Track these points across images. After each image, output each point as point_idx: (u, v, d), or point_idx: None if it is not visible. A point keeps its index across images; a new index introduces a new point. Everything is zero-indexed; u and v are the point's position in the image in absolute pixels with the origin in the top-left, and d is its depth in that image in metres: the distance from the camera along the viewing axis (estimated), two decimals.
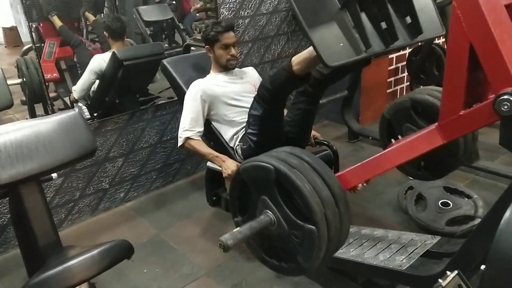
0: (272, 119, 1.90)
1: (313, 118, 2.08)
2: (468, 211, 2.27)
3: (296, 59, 1.61)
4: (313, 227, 1.20)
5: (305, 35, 1.29)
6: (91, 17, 3.21)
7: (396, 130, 1.93)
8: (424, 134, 1.41)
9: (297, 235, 1.27)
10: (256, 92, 2.14)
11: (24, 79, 2.73)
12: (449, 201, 2.35)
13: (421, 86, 3.99)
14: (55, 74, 3.03)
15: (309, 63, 1.57)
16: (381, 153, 1.52)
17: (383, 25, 1.38)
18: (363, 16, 1.34)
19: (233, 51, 2.14)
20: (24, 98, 2.88)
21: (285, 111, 2.01)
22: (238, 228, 1.30)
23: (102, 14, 3.55)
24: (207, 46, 2.17)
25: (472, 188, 2.50)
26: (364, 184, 1.56)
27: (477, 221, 2.18)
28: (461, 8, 1.16)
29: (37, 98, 2.78)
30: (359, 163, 1.53)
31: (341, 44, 1.30)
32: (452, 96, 1.29)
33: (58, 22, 2.99)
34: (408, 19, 1.44)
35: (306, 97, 1.90)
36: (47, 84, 2.61)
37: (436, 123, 1.38)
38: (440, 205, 2.34)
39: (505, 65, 1.10)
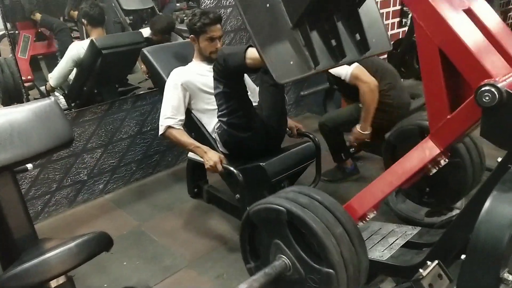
0: (235, 91, 1.93)
1: (283, 96, 2.11)
2: None
3: (251, 54, 1.66)
4: (331, 270, 1.16)
5: (258, 53, 1.34)
6: (75, 15, 3.10)
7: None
8: (419, 145, 1.40)
9: (314, 280, 1.23)
10: None
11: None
12: None
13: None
14: (29, 76, 2.88)
15: (260, 64, 1.60)
16: (382, 174, 1.50)
17: (333, 42, 1.45)
18: (314, 35, 1.41)
19: (218, 44, 2.10)
20: None
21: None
22: (253, 277, 1.25)
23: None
24: (191, 36, 2.13)
25: None
26: (375, 212, 1.49)
27: (456, 212, 2.21)
28: (422, 19, 1.22)
29: (12, 99, 2.67)
30: (363, 190, 1.48)
31: (291, 62, 1.36)
32: (435, 102, 1.31)
33: (38, 16, 2.87)
34: (358, 36, 1.51)
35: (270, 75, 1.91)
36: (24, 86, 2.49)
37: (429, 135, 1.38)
38: None
39: (476, 60, 1.13)
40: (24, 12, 2.79)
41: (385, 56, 3.94)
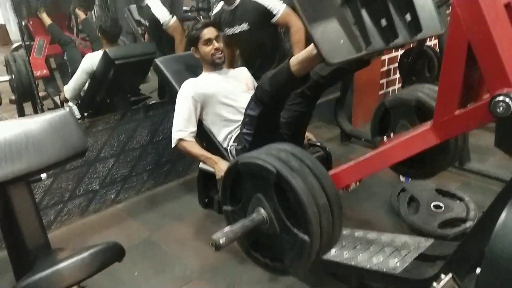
0: (269, 121, 1.88)
1: (308, 121, 2.08)
2: (460, 214, 2.27)
3: (295, 60, 1.58)
4: (306, 237, 1.19)
5: (306, 30, 1.26)
6: (82, 15, 3.17)
7: (391, 122, 1.94)
8: (419, 133, 1.40)
9: (288, 240, 1.26)
10: (248, 91, 2.13)
11: (13, 76, 2.68)
12: (441, 204, 2.35)
13: (409, 86, 4.05)
14: (45, 71, 2.98)
15: (308, 63, 1.55)
16: (374, 151, 1.51)
17: (384, 22, 1.36)
18: (364, 13, 1.32)
19: (216, 44, 2.13)
20: (13, 97, 2.84)
21: None
22: (229, 227, 1.29)
23: (93, 11, 3.52)
24: (192, 48, 2.17)
25: (463, 191, 2.51)
26: (357, 183, 1.56)
27: (469, 223, 2.18)
28: (460, 6, 1.15)
29: (26, 96, 2.74)
30: (353, 162, 1.51)
31: (342, 41, 1.28)
32: (448, 95, 1.28)
33: (47, 20, 2.95)
34: (408, 17, 1.43)
35: (303, 99, 1.89)
36: (36, 82, 2.56)
37: (430, 122, 1.37)
38: (432, 207, 2.35)
39: (502, 66, 1.09)
40: (31, 9, 2.87)
41: (396, 65, 3.94)
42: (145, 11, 2.74)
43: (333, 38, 1.27)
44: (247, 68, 2.50)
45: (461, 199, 2.41)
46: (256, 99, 1.81)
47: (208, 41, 2.13)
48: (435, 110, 1.33)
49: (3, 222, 1.54)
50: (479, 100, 1.23)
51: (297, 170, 1.24)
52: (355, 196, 2.64)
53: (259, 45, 2.68)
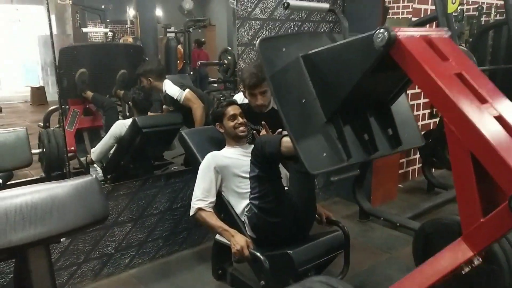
0: (270, 176, 1.98)
1: (313, 185, 2.14)
2: None
3: (286, 143, 1.74)
4: None
5: (292, 144, 1.44)
6: (120, 94, 3.37)
7: (433, 249, 1.81)
8: (451, 246, 1.37)
9: None
10: None
11: (44, 150, 2.77)
12: None
13: (433, 169, 4.04)
14: (72, 147, 3.06)
15: (295, 152, 1.65)
16: (411, 272, 1.46)
17: (366, 136, 1.51)
18: (347, 129, 1.48)
19: (240, 120, 2.26)
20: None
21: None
22: None
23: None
24: (217, 124, 2.29)
25: None
26: None
27: None
28: (453, 123, 1.25)
29: (55, 169, 2.82)
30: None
31: (325, 154, 1.43)
32: (468, 205, 1.30)
33: (90, 94, 3.15)
34: (390, 131, 1.58)
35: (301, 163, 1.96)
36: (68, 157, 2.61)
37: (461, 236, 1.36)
38: None
39: (509, 168, 1.13)
40: (76, 91, 3.06)
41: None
42: (167, 98, 2.99)
43: (317, 151, 1.42)
44: None
45: None
46: (253, 160, 1.98)
47: (233, 117, 2.24)
48: (461, 222, 1.33)
49: (18, 283, 1.55)
50: (502, 202, 1.23)
51: None
52: (371, 279, 2.55)
53: None
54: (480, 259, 1.35)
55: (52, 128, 2.94)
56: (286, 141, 1.74)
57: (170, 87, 2.96)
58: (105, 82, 3.38)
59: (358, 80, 1.37)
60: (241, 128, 2.26)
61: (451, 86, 1.26)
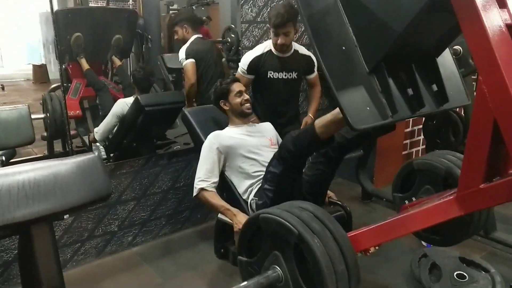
0: (290, 179, 1.90)
1: (330, 181, 2.09)
2: (485, 286, 2.17)
3: (320, 122, 1.62)
4: None
5: (333, 96, 1.30)
6: (117, 62, 3.36)
7: (415, 184, 1.94)
8: (442, 203, 1.39)
9: None
10: (271, 147, 2.16)
11: (48, 114, 2.80)
12: (465, 274, 2.25)
13: (437, 151, 4.01)
14: (78, 111, 3.14)
15: (333, 126, 1.58)
16: (396, 217, 1.50)
17: (410, 91, 1.39)
18: (391, 82, 1.35)
19: (245, 96, 2.24)
20: (44, 134, 2.96)
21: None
22: (245, 283, 1.31)
23: (129, 59, 3.71)
24: (222, 101, 2.25)
25: (489, 261, 2.40)
26: (376, 248, 1.53)
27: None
28: (487, 84, 1.16)
29: (58, 134, 2.86)
30: (373, 225, 1.50)
31: (368, 108, 1.31)
32: (473, 168, 1.28)
33: (85, 65, 3.14)
34: (435, 87, 1.45)
35: (326, 159, 1.91)
36: (69, 122, 2.66)
37: (454, 192, 1.36)
38: (455, 277, 2.25)
39: None
40: (72, 55, 3.05)
41: (420, 126, 3.93)
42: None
43: (360, 105, 1.30)
44: (277, 115, 2.60)
45: (486, 270, 2.30)
46: (279, 157, 1.84)
47: (239, 93, 2.22)
48: (459, 181, 1.33)
49: (22, 260, 1.56)
50: (506, 175, 1.22)
51: (319, 233, 1.23)
52: (374, 260, 2.56)
53: (293, 95, 2.81)
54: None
55: (54, 93, 2.96)
56: (320, 120, 1.63)
57: (183, 49, 2.95)
58: (100, 47, 3.36)
59: (409, 24, 1.21)
60: (247, 105, 2.24)
61: (500, 43, 1.14)
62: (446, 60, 1.52)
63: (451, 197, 1.35)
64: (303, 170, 2.01)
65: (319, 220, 1.30)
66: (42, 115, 2.90)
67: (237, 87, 2.24)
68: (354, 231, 1.51)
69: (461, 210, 1.33)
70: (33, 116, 2.58)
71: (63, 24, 3.03)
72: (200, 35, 3.08)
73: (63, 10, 3.25)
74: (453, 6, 1.18)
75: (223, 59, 3.20)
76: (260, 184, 2.03)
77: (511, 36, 1.18)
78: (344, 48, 1.35)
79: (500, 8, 1.18)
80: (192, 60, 2.90)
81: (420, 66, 1.43)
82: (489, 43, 1.12)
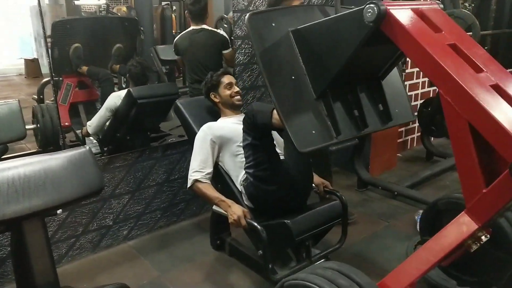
0: (263, 144, 1.96)
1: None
2: None
3: (276, 115, 1.70)
4: None
5: (281, 123, 1.42)
6: (116, 69, 3.30)
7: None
8: (455, 221, 1.34)
9: None
10: None
11: (38, 125, 2.75)
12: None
13: (432, 138, 4.02)
14: (66, 123, 3.03)
15: (284, 129, 1.64)
16: (417, 250, 1.45)
17: (356, 112, 1.50)
18: (338, 105, 1.46)
19: (236, 88, 2.27)
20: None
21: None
22: None
23: None
24: (212, 93, 2.27)
25: None
26: None
27: None
28: (449, 94, 1.22)
29: (49, 144, 2.80)
30: (398, 267, 1.43)
31: (313, 132, 1.41)
32: (469, 176, 1.27)
33: (85, 68, 3.08)
34: (380, 107, 1.56)
35: None
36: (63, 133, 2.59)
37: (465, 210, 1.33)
38: None
39: (509, 136, 1.11)
40: (71, 66, 3.00)
41: (415, 114, 3.93)
42: None
43: (306, 129, 1.40)
44: None
45: None
46: (245, 129, 1.96)
47: (229, 85, 2.25)
48: (463, 195, 1.31)
49: (15, 256, 1.55)
50: (503, 171, 1.20)
51: (346, 287, 1.23)
52: (370, 248, 2.57)
53: None
54: (488, 236, 1.32)
55: (46, 103, 2.91)
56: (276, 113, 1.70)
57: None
58: (100, 57, 3.32)
59: (349, 56, 1.35)
60: (238, 97, 2.27)
61: (445, 57, 1.24)
62: (393, 79, 1.63)
63: (462, 213, 1.32)
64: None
65: (344, 275, 1.29)
66: (32, 126, 2.84)
67: (227, 79, 2.26)
68: (382, 280, 1.45)
69: (477, 221, 1.29)
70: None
71: (61, 35, 2.97)
72: (197, 27, 3.02)
73: (61, 21, 3.17)
74: (390, 38, 1.28)
75: (226, 51, 3.09)
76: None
77: (453, 50, 1.30)
78: (293, 77, 1.45)
79: (435, 32, 1.31)
80: (178, 56, 3.04)
81: (367, 88, 1.54)
82: (433, 59, 1.22)
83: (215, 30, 3.10)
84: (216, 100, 2.26)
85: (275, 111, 1.72)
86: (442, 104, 1.26)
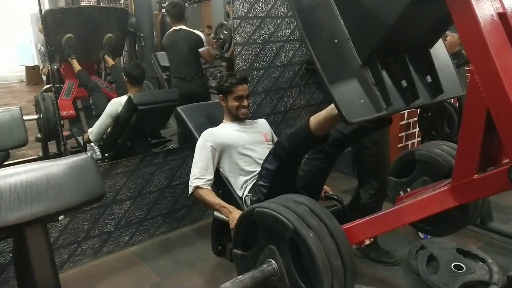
0: (285, 176, 1.89)
1: (326, 177, 2.08)
2: (482, 277, 2.17)
3: (315, 119, 1.60)
4: None
5: (326, 90, 1.30)
6: (110, 61, 3.33)
7: (414, 173, 1.92)
8: (436, 194, 1.38)
9: None
10: (266, 143, 2.15)
11: (41, 115, 2.78)
12: (462, 264, 2.26)
13: (439, 141, 4.00)
14: (71, 112, 3.09)
15: (328, 122, 1.57)
16: (391, 208, 1.50)
17: (404, 83, 1.37)
18: (384, 74, 1.33)
19: (245, 102, 2.20)
20: (39, 135, 2.93)
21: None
22: (240, 277, 1.30)
23: (122, 57, 3.69)
24: (220, 95, 2.22)
25: (485, 251, 2.41)
26: (371, 240, 1.53)
27: (493, 287, 2.09)
28: (480, 74, 1.14)
29: (52, 135, 2.83)
30: (368, 217, 1.49)
31: (362, 101, 1.29)
32: (467, 158, 1.27)
33: (76, 66, 3.10)
34: (429, 78, 1.44)
35: (323, 155, 1.90)
36: (62, 122, 2.64)
37: (448, 183, 1.35)
38: (453, 267, 2.25)
39: None
40: (63, 56, 3.01)
41: (415, 119, 3.93)
42: None
43: (353, 98, 1.28)
44: None
45: (483, 261, 2.31)
46: (274, 154, 1.84)
47: (239, 98, 2.18)
48: (453, 172, 1.32)
49: (18, 262, 1.56)
50: (499, 164, 1.21)
51: (314, 227, 1.23)
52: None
53: None
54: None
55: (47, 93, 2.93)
56: (314, 116, 1.62)
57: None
58: (92, 47, 3.33)
59: (400, 14, 1.20)
60: (243, 111, 2.21)
61: (492, 32, 1.12)
62: (439, 51, 1.50)
63: (446, 188, 1.35)
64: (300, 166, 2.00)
65: (315, 214, 1.30)
66: (36, 116, 2.88)
67: (239, 90, 2.17)
68: (349, 224, 1.50)
69: (456, 200, 1.32)
70: (26, 118, 2.57)
71: (53, 24, 3.00)
72: (177, 27, 3.20)
73: (52, 10, 3.21)
74: None
75: (201, 49, 3.26)
76: (255, 180, 2.02)
77: (503, 25, 1.17)
78: (336, 41, 1.33)
79: None
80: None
81: (413, 57, 1.41)
82: (481, 32, 1.11)
83: (192, 30, 3.24)
84: (223, 103, 2.23)
85: (311, 118, 1.62)
86: (469, 81, 1.18)
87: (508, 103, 1.09)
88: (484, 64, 1.12)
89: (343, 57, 1.33)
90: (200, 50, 3.16)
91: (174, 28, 3.20)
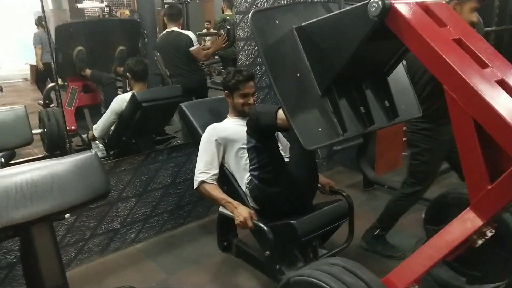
0: (267, 146, 1.96)
1: (314, 154, 2.11)
2: None
3: (281, 116, 1.70)
4: None
5: (287, 120, 1.41)
6: (120, 71, 3.31)
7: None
8: (460, 217, 1.33)
9: None
10: None
11: (45, 129, 2.76)
12: None
13: None
14: (73, 127, 3.04)
15: (290, 127, 1.62)
16: (421, 247, 1.43)
17: (362, 109, 1.49)
18: (344, 102, 1.45)
19: (251, 100, 2.19)
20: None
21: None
22: None
23: None
24: (226, 91, 2.22)
25: None
26: (416, 287, 1.40)
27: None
28: (454, 90, 1.20)
29: (56, 149, 2.81)
30: (402, 263, 1.43)
31: (320, 129, 1.41)
32: (474, 173, 1.25)
33: (89, 71, 3.09)
34: (386, 103, 1.54)
35: None
36: (69, 137, 2.62)
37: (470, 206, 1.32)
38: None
39: None
40: (75, 69, 3.01)
41: None
42: None
43: (312, 126, 1.40)
44: None
45: None
46: (249, 131, 1.95)
47: (245, 95, 2.18)
48: (468, 192, 1.30)
49: (25, 261, 1.57)
50: (508, 167, 1.20)
51: (352, 285, 1.23)
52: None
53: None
54: (493, 231, 1.32)
55: (51, 106, 2.91)
56: (282, 113, 1.66)
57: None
58: (104, 60, 3.32)
59: (354, 52, 1.33)
60: (248, 107, 2.20)
61: (450, 52, 1.21)
62: (399, 74, 1.62)
63: (467, 209, 1.31)
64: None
65: (350, 272, 1.29)
66: (39, 131, 2.85)
67: (246, 89, 2.16)
68: (386, 276, 1.43)
69: (481, 217, 1.28)
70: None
71: (64, 38, 2.96)
72: (169, 29, 3.24)
73: (64, 25, 3.18)
74: (395, 33, 1.26)
75: (192, 48, 3.31)
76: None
77: (455, 43, 1.27)
78: (298, 74, 1.44)
79: (440, 27, 1.29)
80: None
81: (372, 84, 1.53)
82: (438, 54, 1.19)
83: (182, 31, 3.29)
84: (228, 99, 2.23)
85: (280, 111, 1.72)
86: (446, 101, 1.24)
87: (489, 108, 1.13)
88: (454, 81, 1.19)
89: (304, 89, 1.43)
90: (190, 49, 3.22)
91: (167, 30, 3.27)
